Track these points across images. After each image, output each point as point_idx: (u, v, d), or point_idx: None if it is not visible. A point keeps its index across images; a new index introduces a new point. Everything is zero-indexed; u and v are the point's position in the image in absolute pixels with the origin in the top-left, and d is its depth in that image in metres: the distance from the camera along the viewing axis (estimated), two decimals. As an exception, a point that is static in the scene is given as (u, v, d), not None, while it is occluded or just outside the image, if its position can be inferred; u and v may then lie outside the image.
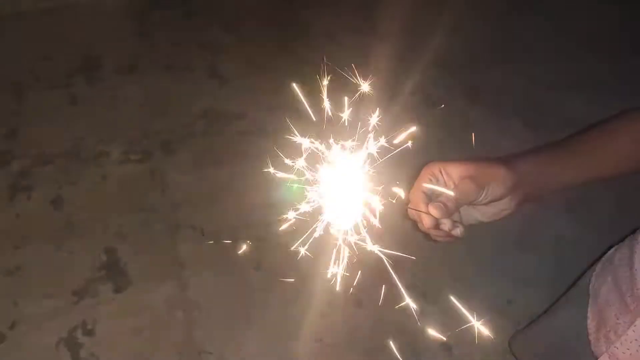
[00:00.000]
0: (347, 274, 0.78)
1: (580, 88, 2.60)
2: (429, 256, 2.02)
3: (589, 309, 0.91)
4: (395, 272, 2.12)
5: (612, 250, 0.93)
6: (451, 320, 2.00)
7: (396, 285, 2.13)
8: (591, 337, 0.89)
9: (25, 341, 1.74)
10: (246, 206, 2.03)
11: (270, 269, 1.93)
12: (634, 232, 0.88)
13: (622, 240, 0.91)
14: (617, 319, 0.84)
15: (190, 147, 2.32)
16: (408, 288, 2.10)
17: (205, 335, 1.81)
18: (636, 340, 0.79)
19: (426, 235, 0.73)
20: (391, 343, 1.55)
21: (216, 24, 2.82)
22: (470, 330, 2.05)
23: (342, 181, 0.73)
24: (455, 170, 0.71)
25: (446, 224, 0.68)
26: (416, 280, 1.96)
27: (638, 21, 2.94)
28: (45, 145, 2.24)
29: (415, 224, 0.72)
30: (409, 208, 0.70)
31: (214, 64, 2.66)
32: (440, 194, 0.69)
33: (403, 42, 2.64)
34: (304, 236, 0.76)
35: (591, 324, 0.89)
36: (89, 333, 1.78)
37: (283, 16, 2.87)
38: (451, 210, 0.67)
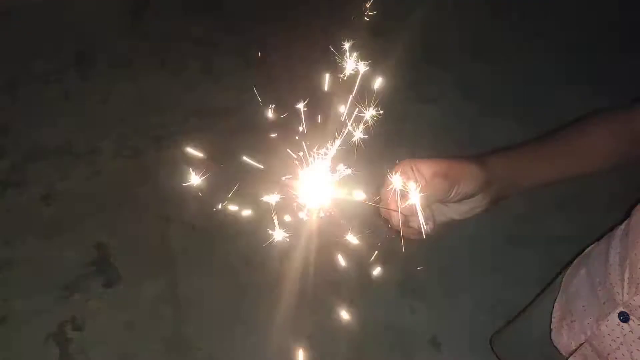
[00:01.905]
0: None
1: (574, 85, 2.59)
2: (420, 254, 2.02)
3: (557, 299, 0.91)
4: (387, 269, 2.11)
5: (591, 247, 0.93)
6: (441, 316, 2.02)
7: (388, 283, 2.12)
8: (553, 326, 0.89)
9: (15, 336, 1.75)
10: (237, 202, 2.03)
11: (260, 265, 1.94)
12: (611, 229, 0.88)
13: (600, 237, 0.91)
14: (584, 310, 0.84)
15: (183, 143, 2.32)
16: (398, 285, 2.11)
17: (195, 331, 1.81)
18: (609, 335, 0.79)
19: (398, 233, 0.73)
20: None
21: (211, 20, 2.81)
22: (460, 327, 2.05)
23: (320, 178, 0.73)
24: (427, 168, 0.70)
25: (415, 222, 0.68)
26: (406, 277, 1.96)
27: (633, 20, 2.93)
28: (37, 140, 2.24)
29: (387, 221, 0.71)
30: (380, 206, 0.70)
31: (208, 60, 2.65)
32: (410, 192, 0.69)
33: (399, 39, 2.63)
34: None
35: (556, 313, 0.90)
36: (79, 328, 1.79)
37: (278, 12, 2.86)
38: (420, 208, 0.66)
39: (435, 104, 2.58)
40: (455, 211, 0.75)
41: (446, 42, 2.79)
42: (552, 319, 0.90)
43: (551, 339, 0.91)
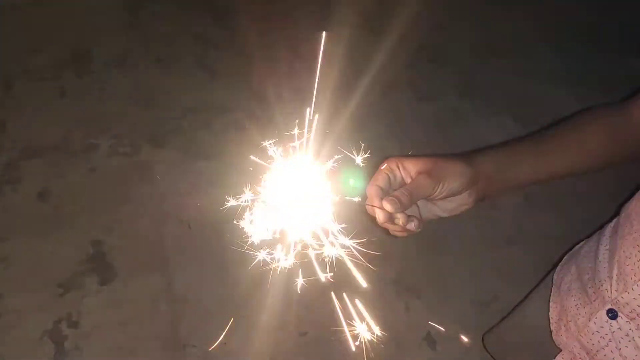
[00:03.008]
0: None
1: (571, 83, 2.59)
2: (416, 251, 2.01)
3: (551, 298, 0.91)
4: (382, 267, 2.11)
5: (581, 243, 0.93)
6: (436, 314, 2.01)
7: (383, 281, 2.12)
8: (552, 327, 0.89)
9: (10, 333, 1.75)
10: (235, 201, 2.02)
11: (256, 264, 1.93)
12: (601, 226, 0.88)
13: (591, 235, 0.91)
14: (577, 309, 0.84)
15: (179, 140, 2.32)
16: (393, 282, 2.11)
17: (190, 329, 1.81)
18: (597, 332, 0.79)
19: (385, 230, 0.73)
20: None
21: (207, 17, 2.81)
22: (455, 325, 2.04)
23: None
24: (413, 165, 0.70)
25: (400, 219, 0.68)
26: (401, 275, 1.96)
27: (628, 18, 2.92)
28: (33, 137, 2.24)
29: (373, 219, 0.71)
30: (365, 203, 0.70)
31: (204, 56, 2.64)
32: (395, 189, 0.69)
33: (395, 36, 2.62)
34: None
35: (553, 313, 0.90)
36: (74, 325, 1.78)
37: (274, 9, 2.86)
38: (405, 204, 0.66)
39: (432, 102, 2.57)
40: (442, 208, 0.75)
41: (445, 41, 2.79)
42: (550, 320, 0.90)
43: (553, 341, 0.90)
